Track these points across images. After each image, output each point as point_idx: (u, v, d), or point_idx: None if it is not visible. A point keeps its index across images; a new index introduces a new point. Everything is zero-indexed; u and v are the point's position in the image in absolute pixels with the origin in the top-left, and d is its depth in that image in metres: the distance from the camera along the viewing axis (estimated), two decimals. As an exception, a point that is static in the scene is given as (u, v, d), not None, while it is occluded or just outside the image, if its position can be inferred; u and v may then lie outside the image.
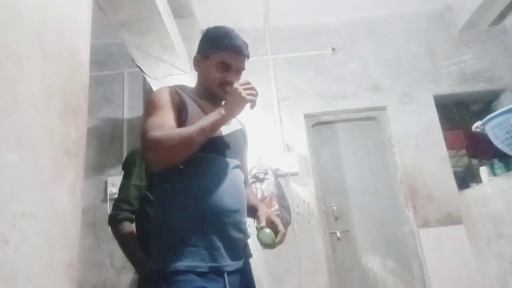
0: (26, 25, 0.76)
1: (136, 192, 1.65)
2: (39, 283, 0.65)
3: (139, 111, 3.57)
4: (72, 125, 0.86)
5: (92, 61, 1.10)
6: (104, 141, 3.46)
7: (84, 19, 1.02)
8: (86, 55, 1.00)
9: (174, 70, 2.45)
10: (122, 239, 1.56)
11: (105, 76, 3.67)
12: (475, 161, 3.84)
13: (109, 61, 3.71)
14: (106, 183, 3.30)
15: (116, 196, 1.71)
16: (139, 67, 2.36)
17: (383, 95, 3.63)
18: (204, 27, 3.84)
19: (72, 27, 0.95)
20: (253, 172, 3.19)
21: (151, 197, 1.69)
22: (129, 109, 3.57)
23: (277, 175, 3.22)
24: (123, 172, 1.72)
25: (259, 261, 2.78)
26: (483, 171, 2.74)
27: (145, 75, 2.47)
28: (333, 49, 3.77)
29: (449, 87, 3.63)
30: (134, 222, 1.69)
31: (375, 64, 3.74)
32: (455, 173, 3.41)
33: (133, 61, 2.34)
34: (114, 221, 1.59)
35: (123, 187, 1.66)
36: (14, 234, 0.61)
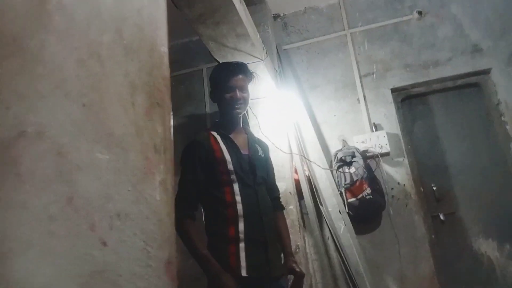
0: (106, 21, 0.74)
1: (192, 187, 1.59)
2: (140, 284, 0.63)
3: (220, 104, 3.61)
4: (158, 120, 0.84)
5: (172, 61, 1.07)
6: (189, 138, 3.56)
7: (160, 12, 0.99)
8: (165, 48, 0.97)
9: (250, 58, 2.40)
10: (183, 236, 1.50)
11: (185, 75, 3.78)
12: None
13: (188, 59, 3.81)
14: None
15: None
16: (216, 59, 2.36)
17: (485, 58, 3.16)
18: (276, 11, 3.76)
19: (150, 20, 0.92)
20: (339, 156, 3.03)
21: (217, 194, 1.60)
22: (211, 103, 3.64)
23: (365, 157, 3.01)
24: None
25: (354, 248, 2.63)
26: None
27: (222, 67, 2.46)
28: (420, 13, 3.38)
29: None
30: (204, 221, 1.66)
31: (471, 24, 3.26)
32: None
33: (210, 54, 2.34)
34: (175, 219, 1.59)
35: (179, 183, 1.60)
36: (111, 235, 0.60)
